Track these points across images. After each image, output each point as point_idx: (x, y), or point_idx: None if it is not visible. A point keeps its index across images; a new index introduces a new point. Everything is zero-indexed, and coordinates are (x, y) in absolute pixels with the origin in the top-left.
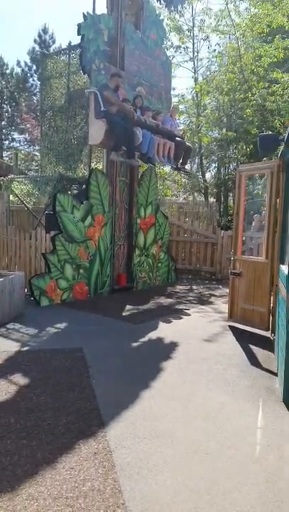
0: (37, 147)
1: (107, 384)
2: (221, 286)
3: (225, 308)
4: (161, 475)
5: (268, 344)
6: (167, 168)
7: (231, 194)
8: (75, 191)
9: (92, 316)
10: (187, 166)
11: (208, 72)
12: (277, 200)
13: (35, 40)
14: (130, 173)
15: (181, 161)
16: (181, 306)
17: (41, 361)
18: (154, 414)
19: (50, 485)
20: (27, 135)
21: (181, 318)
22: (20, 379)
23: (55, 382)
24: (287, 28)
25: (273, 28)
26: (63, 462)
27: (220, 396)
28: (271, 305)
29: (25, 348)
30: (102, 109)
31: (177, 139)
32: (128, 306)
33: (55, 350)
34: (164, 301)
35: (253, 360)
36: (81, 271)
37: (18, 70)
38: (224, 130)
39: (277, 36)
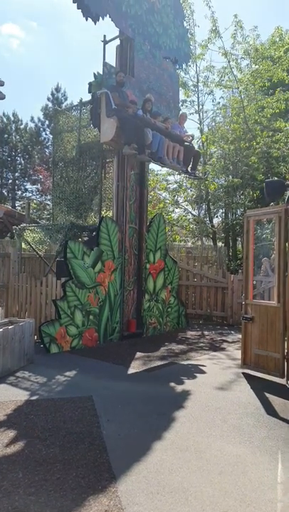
0: (49, 197)
1: (118, 435)
2: (233, 332)
3: (238, 354)
4: None
5: (284, 392)
6: (175, 215)
7: (239, 238)
8: (86, 238)
9: (101, 364)
10: (195, 212)
11: (214, 123)
12: (287, 244)
13: (48, 98)
14: (140, 219)
15: (190, 165)
16: (192, 353)
17: (50, 411)
18: (168, 468)
19: None
20: (39, 185)
21: (193, 365)
22: (29, 430)
23: (65, 433)
24: (287, 81)
25: (274, 82)
26: None
27: (236, 448)
28: (286, 350)
29: (34, 397)
30: (114, 107)
31: (186, 144)
32: (138, 353)
33: (64, 399)
34: (176, 347)
35: (269, 409)
36: (91, 317)
37: (31, 125)
38: (230, 177)
39: (278, 89)
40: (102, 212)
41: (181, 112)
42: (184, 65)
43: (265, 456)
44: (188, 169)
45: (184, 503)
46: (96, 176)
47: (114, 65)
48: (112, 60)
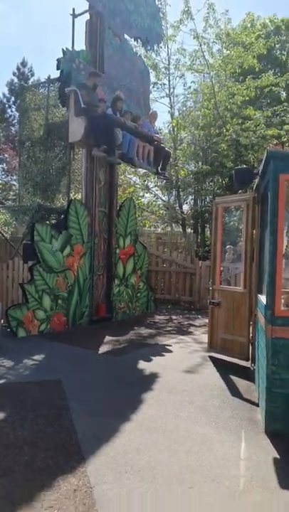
0: (15, 177)
1: (86, 417)
2: (200, 316)
3: (205, 338)
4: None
5: (248, 374)
6: (145, 200)
7: (208, 225)
8: (54, 221)
9: (70, 348)
10: (165, 198)
11: (184, 108)
12: (254, 231)
13: (13, 73)
14: (110, 203)
15: (160, 165)
16: (160, 337)
17: (18, 394)
18: (135, 448)
19: None
20: (5, 165)
21: (161, 349)
22: None
23: (33, 416)
24: (257, 69)
25: (245, 68)
26: (42, 501)
27: (202, 428)
28: (250, 335)
29: (2, 381)
30: (82, 106)
31: (156, 143)
32: (107, 338)
33: (32, 382)
34: (144, 331)
35: (234, 391)
36: (59, 301)
37: None
38: (200, 163)
39: (248, 77)
40: (71, 195)
41: (151, 111)
42: (155, 46)
43: (229, 435)
44: (159, 169)
45: (151, 481)
46: (64, 157)
47: (84, 40)
48: (81, 36)
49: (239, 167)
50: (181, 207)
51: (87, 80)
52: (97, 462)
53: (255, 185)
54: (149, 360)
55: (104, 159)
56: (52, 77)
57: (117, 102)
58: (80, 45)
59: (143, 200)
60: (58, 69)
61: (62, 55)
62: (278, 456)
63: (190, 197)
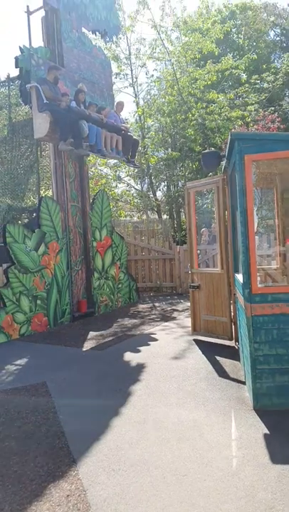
0: None
1: (75, 417)
2: (182, 301)
3: (188, 322)
4: (140, 507)
5: (233, 354)
6: (118, 190)
7: (182, 210)
8: (26, 220)
9: (53, 348)
10: (138, 187)
11: (149, 96)
12: (226, 212)
13: None
14: (82, 197)
15: (130, 154)
16: (145, 326)
17: (3, 403)
18: (127, 442)
19: None
20: None
21: (146, 338)
22: None
23: (20, 424)
24: (216, 53)
25: (204, 53)
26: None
27: (192, 413)
28: (232, 314)
29: None
30: (45, 101)
31: (124, 133)
32: (91, 333)
33: (17, 388)
34: (128, 322)
35: (221, 372)
36: (38, 302)
37: None
38: (169, 150)
39: (208, 61)
40: (41, 192)
41: (117, 101)
42: (114, 38)
43: (219, 416)
44: (129, 158)
45: (145, 474)
46: (31, 155)
47: (42, 37)
48: (38, 32)
49: (206, 151)
50: (154, 194)
51: (47, 74)
52: (89, 463)
53: (223, 168)
54: (134, 350)
55: (72, 152)
56: (12, 76)
57: (80, 95)
58: (39, 41)
59: (116, 190)
60: (16, 67)
61: (20, 53)
62: (268, 432)
63: (163, 183)
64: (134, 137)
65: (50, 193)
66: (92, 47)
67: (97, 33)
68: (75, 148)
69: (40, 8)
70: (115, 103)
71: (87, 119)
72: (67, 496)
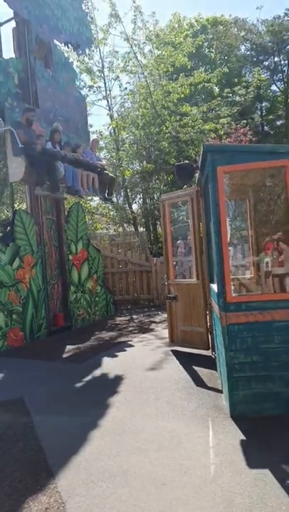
0: None
1: (53, 431)
2: (159, 312)
3: (166, 333)
4: None
5: (210, 363)
6: (94, 203)
7: (159, 222)
8: (0, 234)
9: (30, 363)
10: (114, 199)
11: (123, 109)
12: (200, 224)
13: None
14: (56, 210)
15: (106, 192)
16: (122, 338)
17: None
18: (106, 454)
19: None
20: None
21: (124, 350)
22: None
23: None
24: (189, 67)
25: (177, 67)
26: None
27: (170, 423)
28: (208, 324)
29: None
30: (20, 146)
31: (100, 170)
32: (68, 347)
33: None
34: (106, 335)
35: (198, 381)
36: (14, 316)
37: None
38: (144, 162)
39: (181, 74)
40: (15, 206)
41: (92, 138)
42: (86, 50)
43: (197, 425)
44: (106, 196)
45: (124, 485)
46: (4, 168)
47: (13, 48)
48: (9, 44)
49: (180, 163)
50: (130, 206)
51: (22, 116)
52: (68, 475)
53: (197, 179)
54: (112, 362)
55: (49, 196)
56: None
57: (55, 135)
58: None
59: (91, 203)
60: None
61: None
62: (244, 438)
63: (138, 196)
64: (110, 175)
65: (24, 206)
66: (67, 85)
67: (70, 45)
68: (52, 193)
69: (11, 19)
70: (91, 140)
71: (62, 160)
72: (46, 508)
